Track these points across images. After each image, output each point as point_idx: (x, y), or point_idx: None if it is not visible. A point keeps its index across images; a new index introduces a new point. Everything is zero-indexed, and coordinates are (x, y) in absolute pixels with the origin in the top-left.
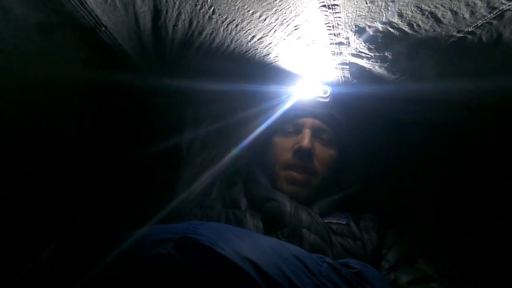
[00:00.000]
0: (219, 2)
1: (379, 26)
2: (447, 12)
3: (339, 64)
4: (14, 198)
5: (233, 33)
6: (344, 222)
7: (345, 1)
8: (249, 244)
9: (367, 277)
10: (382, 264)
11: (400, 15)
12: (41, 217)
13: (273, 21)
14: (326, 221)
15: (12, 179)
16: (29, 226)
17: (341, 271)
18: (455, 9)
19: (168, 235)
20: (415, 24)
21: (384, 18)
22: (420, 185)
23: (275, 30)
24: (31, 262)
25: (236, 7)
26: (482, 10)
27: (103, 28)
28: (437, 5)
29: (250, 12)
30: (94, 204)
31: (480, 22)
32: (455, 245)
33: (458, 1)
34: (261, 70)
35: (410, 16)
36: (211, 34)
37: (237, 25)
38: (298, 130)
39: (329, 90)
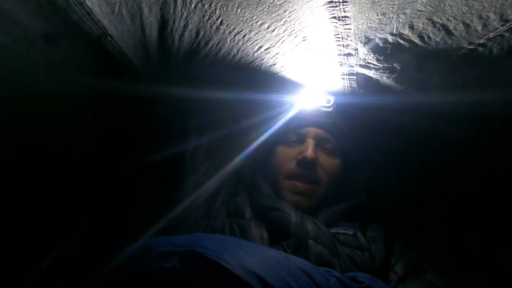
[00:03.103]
0: (227, 13)
1: (389, 38)
2: (459, 25)
3: (346, 74)
4: (18, 207)
5: (240, 43)
6: (351, 232)
7: (356, 13)
8: (255, 257)
9: None
10: (391, 276)
11: (411, 27)
12: (43, 226)
13: (281, 32)
14: (332, 231)
15: (16, 189)
16: (31, 235)
17: (350, 287)
18: (467, 21)
19: (172, 248)
20: (425, 36)
21: (394, 29)
22: (426, 194)
23: (283, 41)
24: (32, 271)
25: (245, 18)
26: (494, 23)
27: (109, 38)
28: (450, 18)
29: (259, 23)
30: (96, 213)
31: (492, 35)
32: (463, 254)
33: (471, 13)
34: (266, 80)
35: (421, 28)
36: (217, 44)
37: (244, 36)
38: (301, 139)
39: (332, 99)
